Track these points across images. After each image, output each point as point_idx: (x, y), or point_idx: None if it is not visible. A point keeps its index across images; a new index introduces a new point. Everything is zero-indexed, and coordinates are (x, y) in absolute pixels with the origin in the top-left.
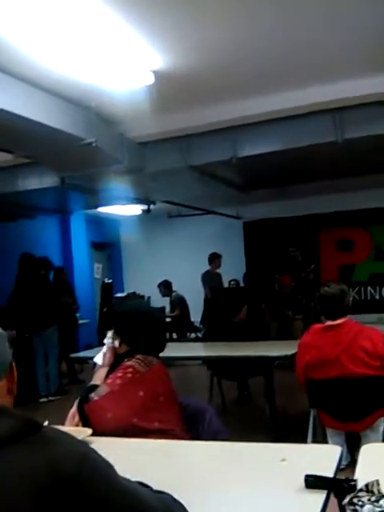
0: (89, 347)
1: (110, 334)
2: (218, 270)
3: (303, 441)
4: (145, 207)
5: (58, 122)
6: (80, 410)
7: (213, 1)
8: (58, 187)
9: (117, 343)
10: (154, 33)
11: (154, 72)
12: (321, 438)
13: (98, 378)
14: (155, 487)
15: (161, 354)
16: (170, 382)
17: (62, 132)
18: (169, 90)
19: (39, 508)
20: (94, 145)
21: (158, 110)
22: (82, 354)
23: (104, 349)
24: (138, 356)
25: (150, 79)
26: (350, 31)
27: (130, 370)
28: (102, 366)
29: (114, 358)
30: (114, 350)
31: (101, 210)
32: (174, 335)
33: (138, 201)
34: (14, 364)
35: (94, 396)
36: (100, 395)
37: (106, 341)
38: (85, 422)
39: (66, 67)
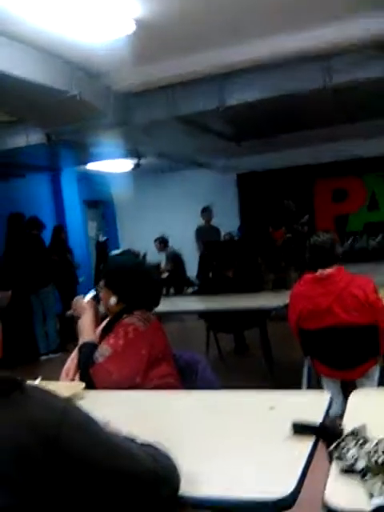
0: None
1: (90, 293)
2: (214, 224)
3: (298, 388)
4: (135, 161)
5: (40, 77)
6: (84, 372)
7: None
8: (45, 144)
9: (113, 300)
10: None
11: (136, 20)
12: (316, 387)
13: (85, 329)
14: (144, 437)
15: (156, 309)
16: (165, 337)
17: (44, 86)
18: (151, 38)
19: (22, 466)
20: (78, 98)
21: (141, 60)
22: None
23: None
24: (137, 312)
25: (131, 27)
26: None
27: (131, 328)
28: (83, 314)
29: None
30: (88, 302)
31: (91, 167)
32: (172, 290)
33: (128, 155)
34: None
35: (98, 358)
36: (105, 357)
37: (90, 293)
38: (89, 383)
39: (47, 20)
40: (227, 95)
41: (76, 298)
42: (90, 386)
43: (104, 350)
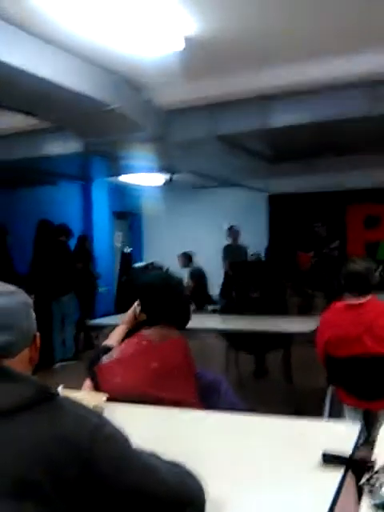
0: (106, 315)
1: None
2: (242, 243)
3: (319, 416)
4: (168, 177)
5: (84, 87)
6: (90, 369)
7: None
8: (80, 153)
9: (137, 310)
10: None
11: (186, 38)
12: (337, 416)
13: (113, 336)
14: (166, 455)
15: None
16: (188, 356)
17: (87, 97)
18: (199, 56)
19: (54, 480)
20: (118, 111)
21: (186, 77)
22: (98, 322)
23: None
24: (158, 326)
25: (181, 45)
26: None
27: (146, 339)
28: (121, 323)
29: (134, 320)
30: (134, 313)
31: (123, 179)
32: (192, 307)
33: (162, 170)
34: (37, 333)
35: (104, 358)
36: (111, 358)
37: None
38: (95, 382)
39: (95, 31)
40: (269, 117)
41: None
42: (96, 385)
43: (113, 352)
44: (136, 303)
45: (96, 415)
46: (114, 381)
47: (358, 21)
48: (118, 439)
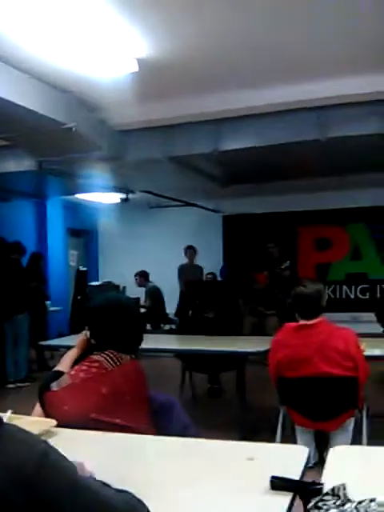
0: (60, 335)
1: None
2: (198, 263)
3: (272, 437)
4: (123, 196)
5: (38, 106)
6: (39, 396)
7: None
8: (35, 171)
9: (86, 335)
10: (140, 20)
11: (139, 60)
12: (290, 436)
13: (64, 362)
14: (117, 483)
15: None
16: (140, 382)
17: (41, 115)
18: (152, 79)
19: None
20: (73, 130)
21: (140, 99)
22: (52, 342)
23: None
24: (109, 351)
25: (134, 67)
26: (335, 33)
27: (96, 364)
28: (74, 348)
29: (87, 344)
30: (86, 336)
31: (79, 196)
32: (148, 326)
33: (117, 189)
34: None
35: (54, 386)
36: (60, 386)
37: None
38: (44, 410)
39: (50, 51)
40: (222, 140)
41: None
42: (44, 411)
43: (62, 380)
44: (86, 328)
45: (42, 442)
46: (63, 408)
47: (305, 49)
48: (64, 466)
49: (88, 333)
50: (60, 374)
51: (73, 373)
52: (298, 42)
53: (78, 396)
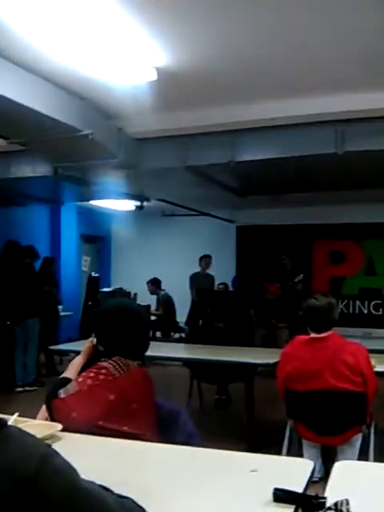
0: (70, 340)
1: None
2: (209, 272)
3: (279, 450)
4: (138, 203)
5: (56, 112)
6: (47, 404)
7: (221, 2)
8: (50, 177)
9: (93, 341)
10: (159, 29)
11: (157, 69)
12: (296, 449)
13: (71, 369)
14: (120, 490)
15: None
16: (147, 388)
17: (58, 122)
18: (171, 88)
19: None
20: (90, 137)
21: (158, 108)
22: (62, 347)
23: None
24: (116, 358)
25: (153, 76)
26: (356, 46)
27: (104, 371)
28: (80, 355)
29: (93, 351)
30: (93, 343)
31: (93, 202)
32: (158, 334)
33: (132, 196)
34: None
35: (61, 393)
36: (68, 393)
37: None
38: (51, 416)
39: (68, 57)
40: (238, 151)
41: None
42: (52, 418)
43: (70, 387)
44: (93, 334)
45: (44, 446)
46: (70, 416)
47: (325, 62)
48: (65, 471)
49: (94, 339)
50: (67, 380)
51: (80, 380)
52: (318, 55)
53: (85, 403)
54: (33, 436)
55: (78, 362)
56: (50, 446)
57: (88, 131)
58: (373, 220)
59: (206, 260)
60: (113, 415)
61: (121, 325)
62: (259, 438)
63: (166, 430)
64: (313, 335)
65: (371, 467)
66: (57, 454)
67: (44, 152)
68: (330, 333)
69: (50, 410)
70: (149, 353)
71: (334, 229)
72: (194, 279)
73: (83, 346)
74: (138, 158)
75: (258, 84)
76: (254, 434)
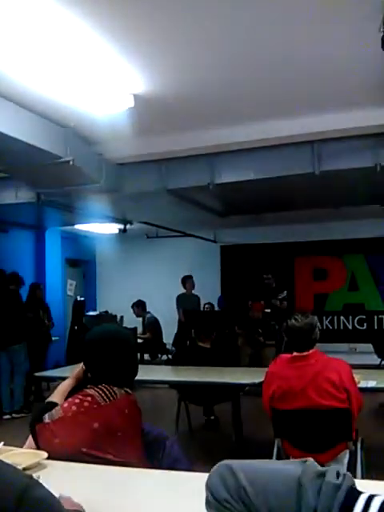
0: (57, 365)
1: None
2: (195, 292)
3: None
4: (121, 226)
5: (37, 139)
6: (31, 428)
7: (196, 28)
8: (33, 203)
9: (81, 368)
10: (136, 57)
11: (135, 95)
12: None
13: (58, 393)
14: None
15: None
16: (134, 417)
17: (40, 149)
18: (149, 113)
19: None
20: (71, 163)
21: (137, 133)
22: (48, 373)
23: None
24: (103, 386)
25: (131, 103)
26: (330, 68)
27: (89, 398)
28: (69, 378)
29: (83, 375)
30: (83, 368)
31: (77, 226)
32: (146, 356)
33: (115, 220)
34: None
35: (46, 418)
36: (52, 418)
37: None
38: (35, 442)
39: (48, 87)
40: (218, 174)
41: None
42: (36, 443)
43: (55, 412)
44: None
45: (26, 477)
46: (54, 441)
47: (301, 84)
48: (47, 501)
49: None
50: (53, 405)
51: (65, 405)
52: (293, 77)
53: (69, 429)
54: (13, 467)
55: (65, 386)
56: (31, 477)
57: (69, 158)
58: (353, 236)
59: (189, 281)
60: (96, 443)
61: (108, 353)
62: (248, 458)
63: (153, 456)
64: (295, 354)
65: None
66: (38, 484)
67: (26, 179)
68: (312, 351)
69: (33, 434)
70: (136, 377)
71: (315, 246)
72: (181, 300)
73: (71, 371)
74: (120, 182)
75: (234, 107)
76: (242, 453)
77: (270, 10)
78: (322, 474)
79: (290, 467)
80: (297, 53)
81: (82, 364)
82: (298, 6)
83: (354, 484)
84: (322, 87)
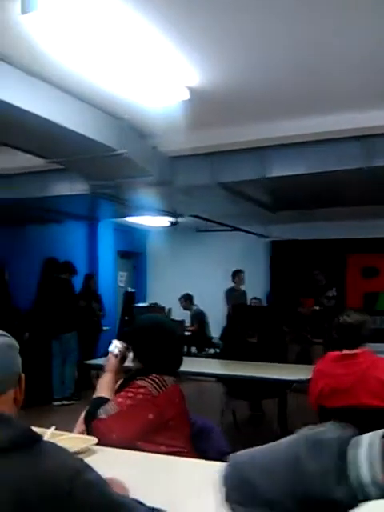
0: (106, 354)
1: (114, 342)
2: (242, 288)
3: None
4: (172, 219)
5: (92, 132)
6: (87, 424)
7: (251, 21)
8: (87, 194)
9: (126, 354)
10: (192, 50)
11: (190, 88)
12: None
13: (103, 388)
14: (153, 503)
15: None
16: (182, 404)
17: (94, 141)
18: (203, 106)
19: None
20: (124, 156)
21: (190, 126)
22: (98, 361)
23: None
24: (153, 376)
25: (186, 95)
26: (378, 63)
27: (142, 390)
28: (106, 372)
29: (120, 364)
30: (117, 358)
31: (129, 219)
32: (193, 349)
33: (166, 213)
34: (22, 375)
35: (102, 413)
36: (108, 414)
37: (110, 349)
38: (90, 435)
39: (104, 79)
40: (269, 167)
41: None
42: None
43: (110, 407)
44: (115, 350)
45: (78, 460)
46: (111, 437)
47: (351, 79)
48: (98, 484)
49: (115, 351)
50: (105, 400)
51: (120, 400)
52: (345, 72)
53: (125, 423)
54: (67, 450)
55: (107, 380)
56: (82, 460)
57: (123, 150)
58: None
59: (239, 275)
60: (151, 434)
61: (159, 341)
62: None
63: (198, 447)
64: (344, 351)
65: None
66: (90, 468)
67: (81, 171)
68: (361, 349)
69: (90, 430)
70: (183, 368)
71: (366, 243)
72: (230, 294)
73: (108, 365)
74: (172, 175)
75: (287, 102)
76: None
77: (327, 4)
78: (317, 438)
79: (286, 444)
80: (345, 47)
81: (112, 355)
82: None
83: (351, 433)
84: (372, 82)
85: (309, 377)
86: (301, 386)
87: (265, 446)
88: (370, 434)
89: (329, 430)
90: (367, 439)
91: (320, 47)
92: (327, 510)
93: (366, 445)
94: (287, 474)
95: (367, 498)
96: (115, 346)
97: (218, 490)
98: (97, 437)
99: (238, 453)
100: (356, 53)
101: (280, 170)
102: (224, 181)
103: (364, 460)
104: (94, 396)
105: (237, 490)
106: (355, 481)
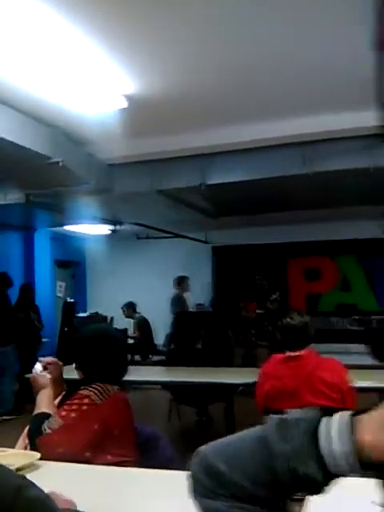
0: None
1: (38, 364)
2: (188, 294)
3: None
4: (112, 227)
5: (25, 140)
6: (31, 441)
7: (187, 29)
8: (22, 204)
9: (46, 374)
10: (127, 58)
11: (127, 96)
12: None
13: (43, 402)
14: None
15: None
16: (128, 413)
17: (28, 150)
18: (140, 114)
19: None
20: (60, 164)
21: (128, 134)
22: None
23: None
24: (96, 384)
25: (122, 103)
26: (321, 70)
27: (86, 400)
28: (45, 388)
29: (54, 382)
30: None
31: (67, 227)
32: (137, 357)
33: (105, 221)
34: None
35: (46, 428)
36: (53, 429)
37: (34, 369)
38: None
39: (36, 86)
40: (209, 174)
41: (32, 374)
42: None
43: (54, 422)
44: (39, 366)
45: (20, 477)
46: (58, 451)
47: (291, 86)
48: (41, 501)
49: (38, 368)
50: (46, 415)
51: (63, 413)
52: (284, 79)
53: (71, 436)
54: (6, 468)
55: (48, 394)
56: (24, 477)
57: (59, 158)
58: (346, 237)
59: (185, 281)
60: (97, 444)
61: (101, 350)
62: None
63: (145, 456)
64: (289, 353)
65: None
66: (32, 484)
67: (15, 179)
68: (305, 350)
69: (34, 447)
70: (128, 377)
71: (308, 246)
72: (176, 301)
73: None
74: (110, 182)
75: (225, 109)
76: None
77: (261, 11)
78: (284, 420)
79: (253, 430)
80: (284, 54)
81: (37, 370)
82: (287, 7)
83: (318, 413)
84: (312, 89)
85: (255, 380)
86: (247, 390)
87: (232, 435)
88: (340, 412)
89: (295, 412)
90: (337, 416)
91: (258, 55)
92: (298, 489)
93: (336, 420)
94: (256, 457)
95: (340, 472)
96: (35, 368)
97: (187, 486)
98: (43, 453)
99: (206, 445)
100: (298, 60)
101: (220, 176)
102: (164, 188)
103: (335, 434)
104: (35, 412)
105: (203, 480)
106: (327, 456)
